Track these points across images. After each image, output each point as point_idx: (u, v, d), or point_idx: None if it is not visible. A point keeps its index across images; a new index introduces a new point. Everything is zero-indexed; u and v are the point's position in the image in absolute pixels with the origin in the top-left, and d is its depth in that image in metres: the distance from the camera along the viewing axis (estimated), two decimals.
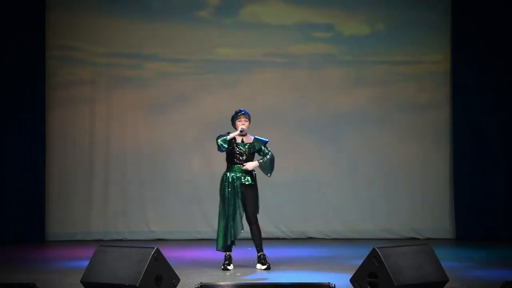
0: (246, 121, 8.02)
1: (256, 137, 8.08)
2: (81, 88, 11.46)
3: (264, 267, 7.88)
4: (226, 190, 7.97)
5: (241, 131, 7.95)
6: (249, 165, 7.95)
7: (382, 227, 11.45)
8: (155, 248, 6.10)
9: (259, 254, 7.97)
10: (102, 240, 10.94)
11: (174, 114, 11.51)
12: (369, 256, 6.12)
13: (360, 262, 6.29)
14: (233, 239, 7.89)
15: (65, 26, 11.44)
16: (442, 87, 11.58)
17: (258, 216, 8.02)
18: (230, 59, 11.56)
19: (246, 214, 7.96)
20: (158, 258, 6.08)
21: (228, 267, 7.88)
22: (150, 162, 11.47)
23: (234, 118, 8.06)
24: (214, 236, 11.35)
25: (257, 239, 7.96)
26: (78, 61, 11.45)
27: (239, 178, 7.95)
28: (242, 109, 8.12)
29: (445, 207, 11.49)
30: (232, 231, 7.87)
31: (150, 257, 5.99)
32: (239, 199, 7.92)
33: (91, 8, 11.47)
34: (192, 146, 11.49)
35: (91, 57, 11.46)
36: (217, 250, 7.99)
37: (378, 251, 6.03)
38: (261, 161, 7.98)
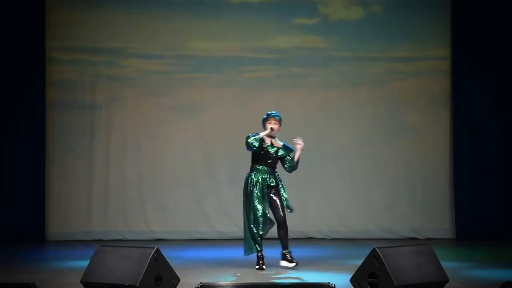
0: (276, 123, 8.06)
1: (285, 143, 8.12)
2: (81, 87, 11.45)
3: (292, 264, 7.94)
4: (252, 191, 7.95)
5: (271, 129, 7.98)
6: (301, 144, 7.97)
7: (382, 227, 11.44)
8: (155, 248, 6.10)
9: (284, 252, 8.02)
10: (102, 240, 10.94)
11: (174, 114, 11.51)
12: (369, 256, 6.12)
13: (360, 262, 6.29)
14: (258, 238, 7.92)
15: (65, 25, 11.44)
16: (442, 87, 11.57)
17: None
18: (206, 55, 11.51)
19: (274, 215, 8.02)
20: (158, 258, 6.08)
21: (264, 267, 7.89)
22: (150, 162, 11.47)
23: (264, 120, 8.12)
24: (214, 236, 11.44)
25: (284, 238, 8.01)
26: (77, 60, 11.44)
27: (264, 180, 7.99)
28: (273, 111, 8.15)
29: (445, 207, 11.49)
30: (256, 231, 7.90)
31: (150, 257, 5.99)
32: (266, 200, 7.95)
33: (91, 7, 11.46)
34: (192, 146, 11.49)
35: (91, 56, 11.46)
36: (244, 255, 8.04)
37: (378, 251, 6.03)
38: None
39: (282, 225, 8.02)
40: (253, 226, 7.92)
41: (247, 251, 8.02)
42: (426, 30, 11.58)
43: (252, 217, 7.94)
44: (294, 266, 7.92)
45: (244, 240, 8.04)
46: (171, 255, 7.39)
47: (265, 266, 7.92)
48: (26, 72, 11.22)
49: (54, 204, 11.35)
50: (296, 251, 9.12)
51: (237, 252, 8.19)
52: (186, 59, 11.55)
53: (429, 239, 11.14)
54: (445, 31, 11.57)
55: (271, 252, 8.34)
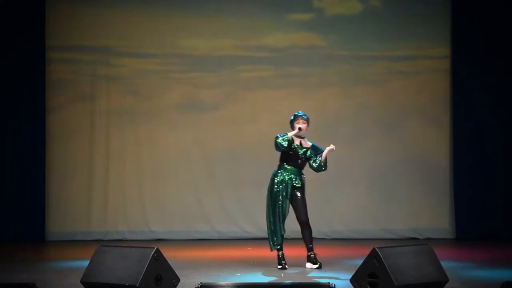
0: (304, 123, 8.06)
1: (314, 144, 8.13)
2: (81, 87, 11.45)
3: (316, 266, 7.92)
4: (277, 187, 7.95)
5: (299, 129, 7.97)
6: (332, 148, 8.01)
7: (382, 227, 11.44)
8: (155, 248, 6.09)
9: (309, 254, 8.01)
10: (102, 240, 10.94)
11: (173, 114, 11.51)
12: (369, 256, 6.12)
13: (360, 262, 6.29)
14: (282, 233, 7.95)
15: (65, 25, 11.44)
16: (442, 86, 11.56)
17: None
18: (200, 54, 11.51)
19: (297, 215, 8.03)
20: (158, 258, 6.08)
21: (286, 266, 7.91)
22: (150, 162, 11.46)
23: (292, 121, 8.11)
24: (214, 236, 11.42)
25: (308, 239, 8.00)
26: (77, 60, 11.44)
27: (290, 179, 7.98)
28: (300, 111, 8.15)
29: (445, 207, 11.48)
30: (282, 229, 7.93)
31: (150, 257, 5.99)
32: (288, 200, 7.96)
33: (91, 6, 11.46)
34: (192, 146, 11.49)
35: (90, 56, 11.46)
36: (271, 250, 8.03)
37: (378, 251, 6.03)
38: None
39: (306, 226, 8.00)
40: (278, 220, 7.91)
41: (275, 245, 7.98)
42: (426, 29, 11.57)
43: (278, 211, 7.91)
44: (317, 267, 7.89)
45: (269, 236, 8.00)
46: (171, 255, 7.37)
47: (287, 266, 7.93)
48: (26, 72, 11.22)
49: (54, 204, 11.35)
50: (296, 251, 9.15)
51: (237, 252, 8.17)
52: (185, 59, 11.53)
53: (429, 239, 11.13)
54: (445, 30, 11.56)
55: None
